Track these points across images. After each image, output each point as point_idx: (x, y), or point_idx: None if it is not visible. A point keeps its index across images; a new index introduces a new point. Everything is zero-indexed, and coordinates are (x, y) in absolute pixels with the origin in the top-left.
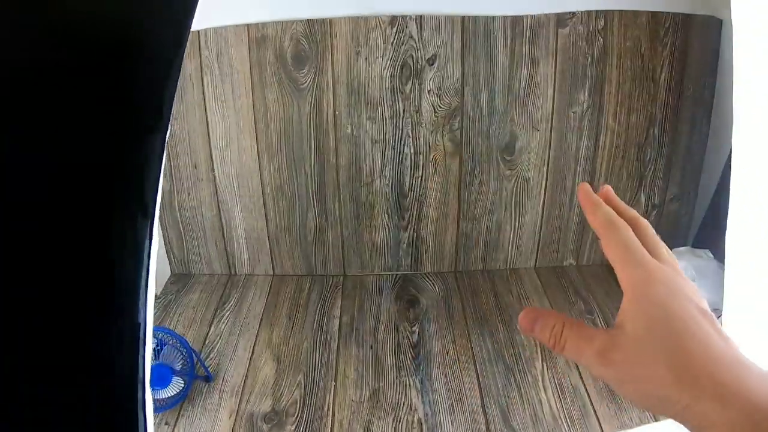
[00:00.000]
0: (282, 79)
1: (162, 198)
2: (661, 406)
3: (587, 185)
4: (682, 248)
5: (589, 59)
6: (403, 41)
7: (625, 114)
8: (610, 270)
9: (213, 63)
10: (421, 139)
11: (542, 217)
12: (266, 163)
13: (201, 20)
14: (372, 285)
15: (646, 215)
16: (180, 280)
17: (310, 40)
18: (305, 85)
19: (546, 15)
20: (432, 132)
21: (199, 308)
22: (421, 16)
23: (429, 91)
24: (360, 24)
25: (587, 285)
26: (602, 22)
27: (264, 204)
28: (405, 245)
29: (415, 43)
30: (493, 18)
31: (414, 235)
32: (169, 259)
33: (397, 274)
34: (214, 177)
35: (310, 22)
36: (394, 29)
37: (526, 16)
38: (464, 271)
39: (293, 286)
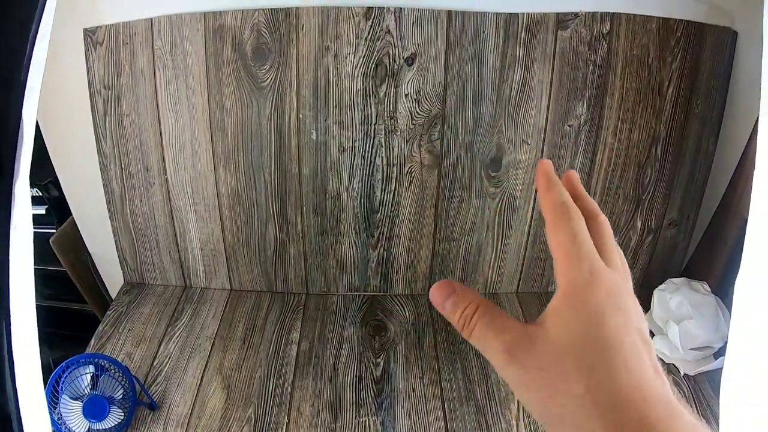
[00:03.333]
0: (241, 76)
1: (113, 204)
2: (563, 427)
3: (549, 163)
4: (678, 279)
5: (591, 67)
6: (379, 36)
7: (627, 130)
8: None
9: (166, 55)
10: (396, 149)
11: (528, 239)
12: (222, 168)
13: (154, 5)
14: (336, 306)
15: (641, 241)
16: (133, 290)
17: (273, 32)
18: (266, 83)
19: (545, 14)
20: (408, 141)
21: (150, 323)
22: (400, 9)
23: (407, 95)
24: (330, 15)
25: None
26: (608, 26)
27: (220, 213)
28: (374, 264)
29: (393, 39)
30: (484, 14)
31: (384, 254)
32: (123, 268)
33: (364, 295)
34: (167, 181)
35: (273, 12)
36: (369, 22)
37: (523, 13)
38: None
39: (251, 304)
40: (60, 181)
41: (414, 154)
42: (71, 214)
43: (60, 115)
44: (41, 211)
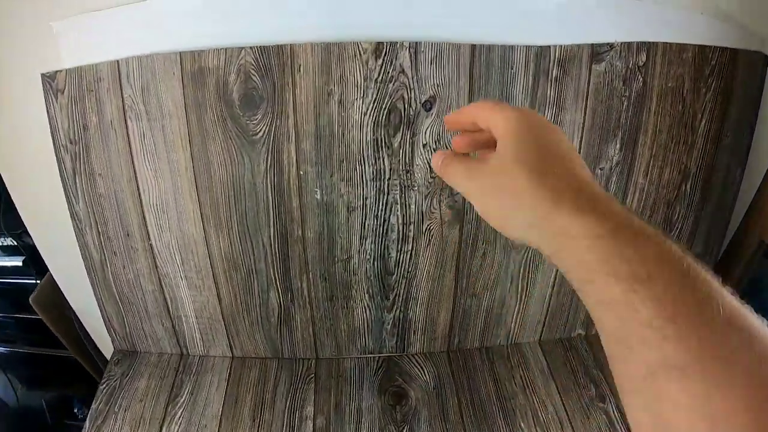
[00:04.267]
0: (227, 127)
1: (93, 269)
2: (518, 218)
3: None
4: None
5: (625, 104)
6: (392, 77)
7: (658, 169)
8: None
9: (138, 104)
10: (413, 206)
11: (553, 287)
12: (213, 232)
13: (120, 45)
14: (350, 372)
15: None
16: (125, 359)
17: (265, 75)
18: (258, 135)
19: (578, 46)
20: (426, 197)
21: (148, 400)
22: (416, 43)
23: (424, 145)
24: (333, 53)
25: (597, 361)
26: (644, 57)
27: (215, 280)
28: (389, 326)
29: (408, 80)
30: (512, 48)
31: (401, 316)
32: (110, 335)
33: (379, 357)
34: (152, 247)
35: (263, 50)
36: (380, 61)
37: (555, 46)
38: (458, 350)
39: (257, 372)
40: (37, 246)
41: (433, 210)
42: None
43: (26, 173)
44: (18, 262)
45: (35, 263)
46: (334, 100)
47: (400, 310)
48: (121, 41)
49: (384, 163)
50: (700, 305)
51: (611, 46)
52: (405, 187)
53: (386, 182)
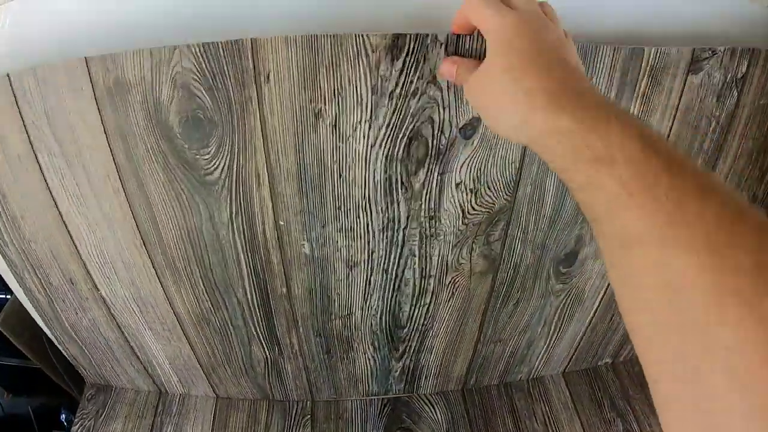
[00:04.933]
0: (169, 164)
1: (43, 314)
2: (505, 120)
3: None
4: None
5: (713, 125)
6: (417, 90)
7: None
8: None
9: (44, 132)
10: (435, 257)
11: (588, 327)
12: (173, 286)
13: (7, 53)
14: (351, 413)
15: None
16: (99, 395)
17: (215, 88)
18: (214, 175)
19: (678, 50)
20: (455, 246)
21: None
22: (457, 38)
23: (458, 185)
24: (322, 50)
25: (624, 393)
26: (744, 68)
27: (184, 333)
28: (397, 373)
29: (442, 93)
30: (597, 48)
31: (411, 364)
32: (79, 370)
33: (385, 399)
34: (103, 298)
35: (209, 50)
36: (399, 64)
37: (650, 49)
38: (474, 389)
39: (245, 415)
40: None
41: (462, 260)
42: None
43: None
44: None
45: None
46: (325, 125)
47: (411, 359)
48: (6, 46)
49: (399, 209)
50: (657, 177)
51: (713, 52)
52: (426, 236)
53: (401, 232)
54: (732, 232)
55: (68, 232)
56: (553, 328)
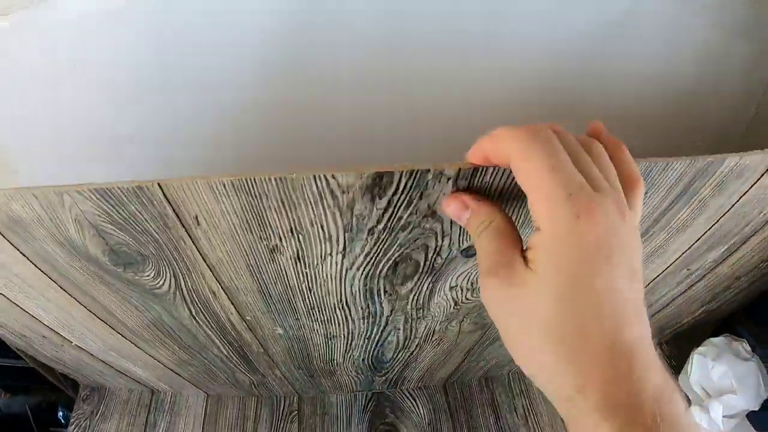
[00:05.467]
0: (108, 281)
1: (23, 350)
2: (541, 379)
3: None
4: (717, 339)
5: (764, 213)
6: (408, 223)
7: (745, 260)
8: None
9: None
10: (422, 329)
11: None
12: (148, 346)
13: None
14: (337, 409)
15: (694, 316)
16: (93, 395)
17: (132, 227)
18: (162, 289)
19: (762, 157)
20: (443, 322)
21: None
22: (473, 171)
23: (453, 288)
24: (267, 195)
25: None
26: None
27: (168, 369)
28: (380, 382)
29: (442, 225)
30: (666, 165)
31: (394, 378)
32: (73, 377)
33: (369, 394)
34: (80, 348)
35: (109, 195)
36: (383, 200)
37: (732, 158)
38: (456, 383)
39: (234, 412)
40: None
41: (451, 327)
42: None
43: None
44: None
45: None
46: (284, 257)
47: (394, 379)
48: None
49: (382, 307)
50: None
51: None
52: (413, 319)
53: (383, 319)
54: None
55: (29, 313)
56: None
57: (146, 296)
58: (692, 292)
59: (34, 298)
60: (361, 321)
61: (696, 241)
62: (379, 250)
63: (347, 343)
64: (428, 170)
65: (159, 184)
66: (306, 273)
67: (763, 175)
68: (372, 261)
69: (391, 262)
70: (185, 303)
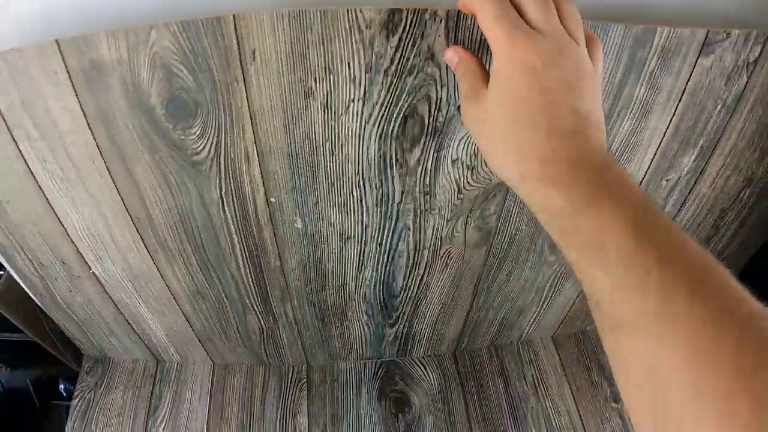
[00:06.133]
0: (155, 145)
1: (38, 294)
2: (500, 173)
3: None
4: None
5: (719, 107)
6: (414, 67)
7: (725, 177)
8: None
9: (21, 118)
10: (429, 230)
11: (580, 294)
12: (166, 263)
13: None
14: (346, 377)
15: None
16: (97, 367)
17: (197, 68)
18: (202, 155)
19: (692, 32)
20: (450, 220)
21: (126, 416)
22: (456, 14)
23: (454, 161)
24: (312, 27)
25: None
26: (758, 52)
27: (179, 306)
28: (391, 338)
29: (440, 71)
30: (607, 26)
31: (405, 330)
32: (77, 344)
33: (378, 362)
34: (95, 276)
35: (188, 28)
36: (395, 39)
37: (662, 30)
38: (466, 351)
39: (242, 380)
40: None
41: (456, 233)
42: None
43: None
44: None
45: None
46: (316, 105)
47: (404, 326)
48: None
49: (393, 185)
50: (648, 272)
51: (728, 34)
52: (421, 211)
53: (395, 207)
54: (715, 332)
55: (56, 215)
56: (544, 296)
57: (185, 170)
58: (680, 222)
59: (70, 191)
60: (375, 208)
61: (664, 135)
62: (391, 98)
63: (360, 252)
64: (425, 10)
65: (233, 16)
66: (332, 127)
67: (699, 54)
68: (386, 114)
69: (401, 117)
70: (219, 177)
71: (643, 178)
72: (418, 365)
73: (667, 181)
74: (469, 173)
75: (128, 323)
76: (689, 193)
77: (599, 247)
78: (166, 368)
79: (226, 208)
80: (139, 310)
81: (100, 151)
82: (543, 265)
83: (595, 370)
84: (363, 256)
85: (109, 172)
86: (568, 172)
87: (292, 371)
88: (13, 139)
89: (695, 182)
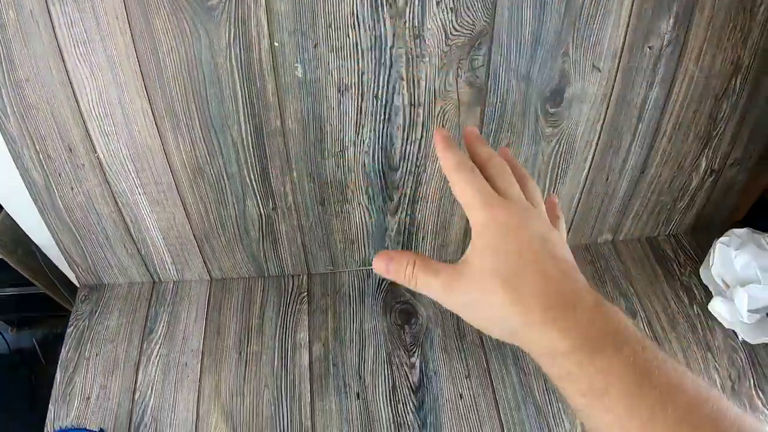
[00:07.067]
0: None
1: (38, 197)
2: (502, 328)
3: (444, 130)
4: (740, 231)
5: None
6: None
7: (711, 56)
8: (651, 246)
9: None
10: (423, 81)
11: (584, 186)
12: (170, 132)
13: None
14: (349, 287)
15: (701, 183)
16: (92, 294)
17: None
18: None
19: None
20: (441, 70)
21: (120, 340)
22: None
23: (438, 3)
24: None
25: (626, 271)
26: None
27: (179, 192)
28: (393, 233)
29: None
30: None
31: (407, 220)
32: (73, 269)
33: None
34: (99, 161)
35: None
36: None
37: None
38: None
39: (240, 295)
40: None
41: (449, 88)
42: None
43: None
44: None
45: None
46: None
47: (406, 213)
48: None
49: (385, 27)
50: (652, 413)
51: None
52: (413, 57)
53: (388, 51)
54: None
55: (72, 87)
56: (548, 181)
57: (198, 16)
58: (675, 105)
59: (90, 56)
60: (369, 53)
61: None
62: None
63: (358, 107)
64: None
65: None
66: None
67: None
68: None
69: None
70: (229, 21)
71: (624, 42)
72: None
73: (650, 48)
74: (454, 17)
75: (126, 227)
76: (677, 67)
77: (604, 391)
78: (162, 290)
79: (232, 56)
80: (138, 204)
81: (125, 7)
82: (541, 140)
83: (610, 286)
84: (361, 114)
85: (130, 28)
86: (569, 315)
87: (292, 284)
88: (47, 6)
89: (680, 55)
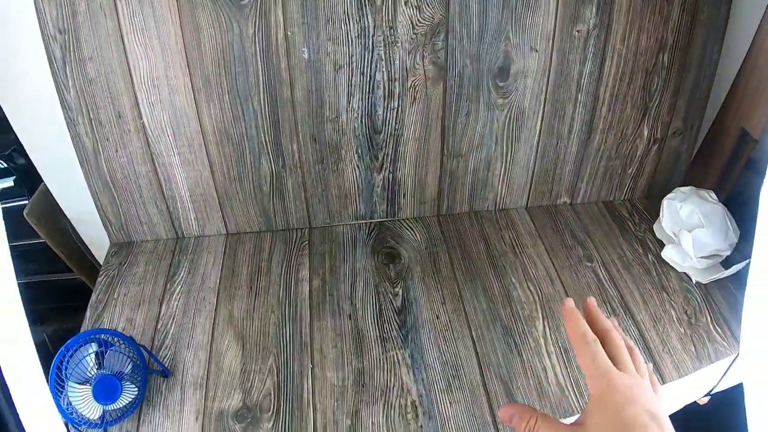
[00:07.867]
0: None
1: (86, 160)
2: None
3: (571, 300)
4: (685, 188)
5: None
6: None
7: (635, 36)
8: (608, 208)
9: None
10: (397, 61)
11: (537, 150)
12: (205, 102)
13: None
14: (343, 237)
15: (647, 150)
16: (122, 250)
17: None
18: (246, 0)
19: None
20: (410, 53)
21: (147, 283)
22: None
23: (406, 2)
24: None
25: (584, 226)
26: None
27: (207, 153)
28: (379, 189)
29: None
30: None
31: (390, 177)
32: (106, 228)
33: (371, 223)
34: (144, 126)
35: None
36: None
37: None
38: (448, 215)
39: (251, 246)
40: (24, 145)
41: (417, 66)
42: (42, 181)
43: (14, 72)
44: (9, 183)
45: (26, 181)
46: None
47: (389, 171)
48: None
49: (368, 20)
50: None
51: None
52: (389, 43)
53: (371, 39)
54: None
55: (128, 64)
56: (504, 145)
57: (233, 12)
58: (608, 78)
59: (145, 41)
60: (357, 40)
61: None
62: None
63: (349, 83)
64: None
65: None
66: None
67: None
68: None
69: None
70: (255, 16)
71: (555, 27)
72: (406, 228)
73: (578, 32)
74: (417, 12)
75: (159, 184)
76: (605, 47)
77: None
78: (185, 244)
79: (256, 42)
80: (171, 164)
81: (177, 3)
82: (495, 109)
83: (568, 236)
84: (351, 87)
85: (180, 20)
86: None
87: (296, 235)
88: (114, 1)
89: (606, 36)
